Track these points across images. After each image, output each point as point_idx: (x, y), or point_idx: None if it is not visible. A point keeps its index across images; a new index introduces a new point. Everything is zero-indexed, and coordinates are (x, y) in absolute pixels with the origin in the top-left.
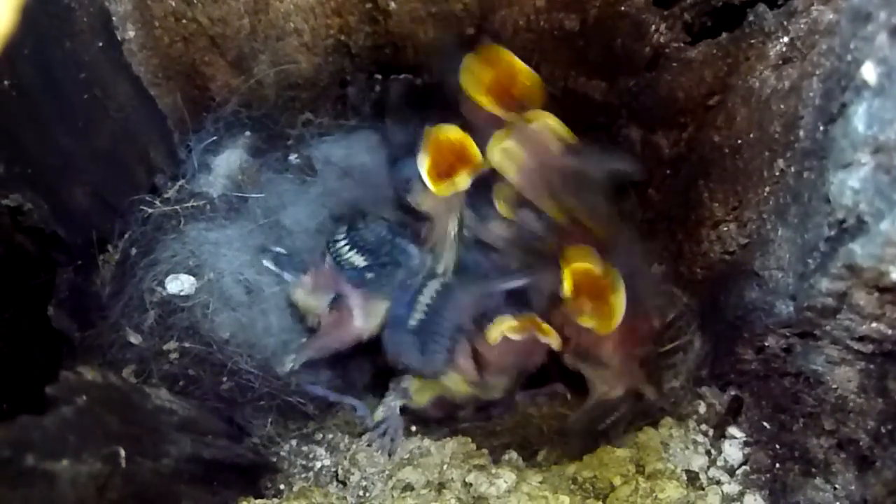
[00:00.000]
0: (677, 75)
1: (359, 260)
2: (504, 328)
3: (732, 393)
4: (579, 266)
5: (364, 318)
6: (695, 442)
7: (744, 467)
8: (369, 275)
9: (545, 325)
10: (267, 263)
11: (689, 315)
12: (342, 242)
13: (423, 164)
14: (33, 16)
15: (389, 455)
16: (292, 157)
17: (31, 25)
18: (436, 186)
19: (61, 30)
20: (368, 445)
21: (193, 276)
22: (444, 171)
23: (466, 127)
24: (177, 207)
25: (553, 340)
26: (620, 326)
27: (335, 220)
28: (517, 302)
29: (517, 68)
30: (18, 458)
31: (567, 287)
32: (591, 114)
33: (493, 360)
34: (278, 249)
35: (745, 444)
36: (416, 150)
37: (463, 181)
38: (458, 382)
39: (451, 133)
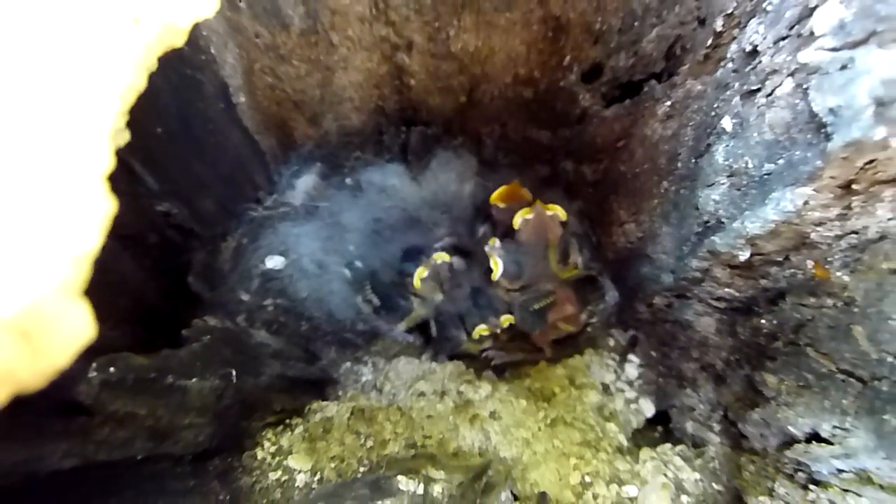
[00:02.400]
0: (597, 127)
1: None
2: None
3: (632, 333)
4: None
5: None
6: (607, 364)
7: (639, 381)
8: (382, 311)
9: None
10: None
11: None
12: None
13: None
14: (177, 86)
15: None
16: (348, 180)
17: (175, 92)
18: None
19: (195, 95)
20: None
21: (283, 256)
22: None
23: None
24: (272, 212)
25: None
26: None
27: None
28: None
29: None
30: (161, 377)
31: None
32: (540, 153)
33: None
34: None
35: (640, 366)
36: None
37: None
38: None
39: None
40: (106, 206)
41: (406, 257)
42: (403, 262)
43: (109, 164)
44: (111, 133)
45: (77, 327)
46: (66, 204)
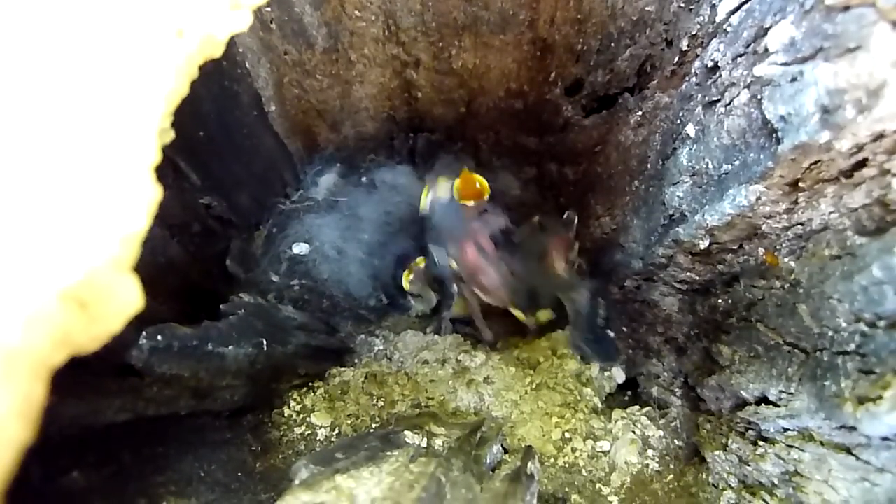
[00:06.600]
0: (577, 134)
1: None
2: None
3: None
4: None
5: None
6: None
7: None
8: (390, 308)
9: None
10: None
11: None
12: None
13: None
14: (217, 95)
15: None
16: (363, 179)
17: (215, 101)
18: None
19: (233, 104)
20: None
21: (307, 243)
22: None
23: None
24: (298, 205)
25: None
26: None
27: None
28: None
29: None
30: (203, 345)
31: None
32: (528, 156)
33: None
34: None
35: (613, 339)
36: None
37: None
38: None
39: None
40: (152, 194)
41: (398, 264)
42: (396, 268)
43: (156, 158)
44: (157, 131)
45: (127, 297)
46: (116, 191)
